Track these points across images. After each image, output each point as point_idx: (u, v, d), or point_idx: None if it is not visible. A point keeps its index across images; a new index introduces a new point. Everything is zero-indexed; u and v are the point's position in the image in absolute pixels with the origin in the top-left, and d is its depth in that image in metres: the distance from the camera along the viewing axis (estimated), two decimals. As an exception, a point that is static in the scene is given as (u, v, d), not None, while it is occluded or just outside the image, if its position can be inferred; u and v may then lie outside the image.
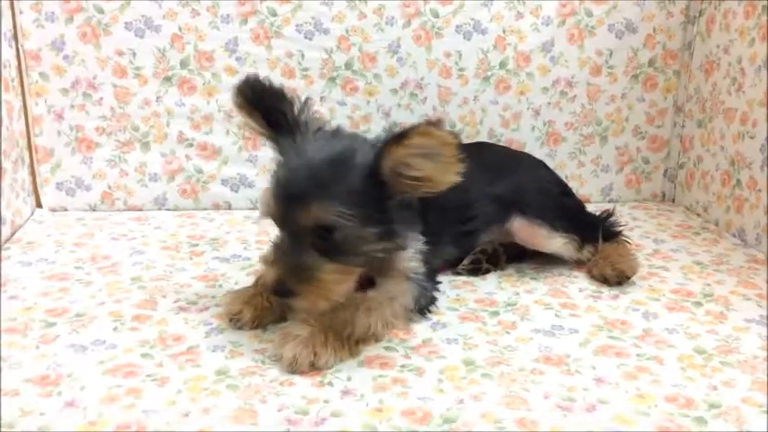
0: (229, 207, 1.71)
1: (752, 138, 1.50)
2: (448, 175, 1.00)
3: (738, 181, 1.54)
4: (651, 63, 1.73)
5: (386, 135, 1.02)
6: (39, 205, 1.66)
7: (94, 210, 1.67)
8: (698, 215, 1.71)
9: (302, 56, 1.62)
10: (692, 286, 1.31)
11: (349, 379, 0.99)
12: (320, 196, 1.01)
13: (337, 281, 1.06)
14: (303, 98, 1.11)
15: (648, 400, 0.95)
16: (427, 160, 0.99)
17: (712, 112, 1.64)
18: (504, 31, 1.66)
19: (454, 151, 0.97)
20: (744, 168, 1.52)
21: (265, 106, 1.09)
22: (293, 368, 1.00)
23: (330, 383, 0.98)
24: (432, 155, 0.98)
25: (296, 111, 1.10)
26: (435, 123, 0.99)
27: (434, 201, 1.26)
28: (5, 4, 1.50)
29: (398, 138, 0.98)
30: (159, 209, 1.69)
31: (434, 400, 0.94)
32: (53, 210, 1.66)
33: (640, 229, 1.60)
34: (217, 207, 1.71)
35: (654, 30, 1.70)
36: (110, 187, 1.67)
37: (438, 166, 0.99)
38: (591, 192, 1.78)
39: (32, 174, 1.63)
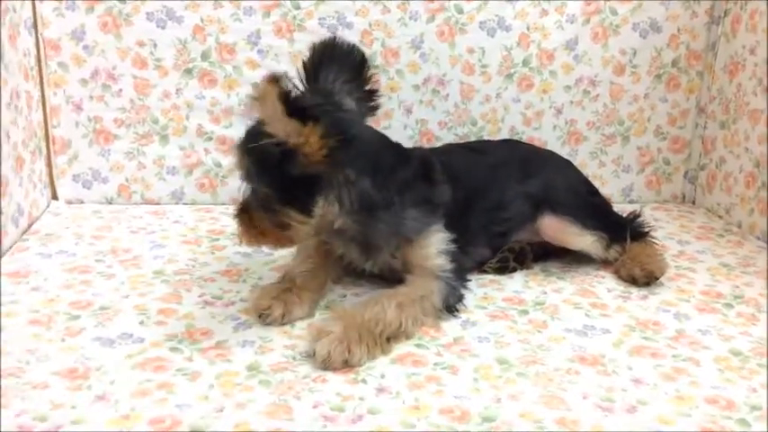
0: (247, 202, 1.69)
1: (778, 139, 1.49)
2: (296, 137, 0.98)
3: (764, 183, 1.53)
4: (675, 63, 1.71)
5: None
6: (54, 197, 1.63)
7: (111, 203, 1.65)
8: (720, 217, 1.69)
9: (325, 50, 1.60)
10: (721, 288, 1.30)
11: (383, 376, 0.98)
12: (245, 162, 1.09)
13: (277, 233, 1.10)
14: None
15: (689, 401, 0.94)
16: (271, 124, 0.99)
17: (736, 113, 1.63)
18: (528, 29, 1.65)
19: (280, 107, 0.95)
20: (769, 170, 1.51)
21: None
22: (326, 365, 0.98)
23: (364, 381, 0.97)
24: (270, 118, 0.99)
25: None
26: (273, 79, 0.96)
27: (475, 202, 1.26)
28: (26, -7, 1.48)
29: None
30: (176, 203, 1.67)
31: (471, 399, 0.93)
32: (69, 202, 1.64)
33: (663, 231, 1.58)
34: (235, 202, 1.68)
35: (678, 30, 1.69)
36: (127, 180, 1.65)
37: (276, 129, 0.99)
38: (611, 192, 1.76)
39: (49, 165, 1.61)
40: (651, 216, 1.67)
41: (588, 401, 0.93)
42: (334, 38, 1.14)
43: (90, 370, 0.96)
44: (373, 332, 1.03)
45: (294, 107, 0.96)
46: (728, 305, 1.23)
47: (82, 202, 1.64)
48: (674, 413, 0.91)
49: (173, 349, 1.02)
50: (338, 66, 1.11)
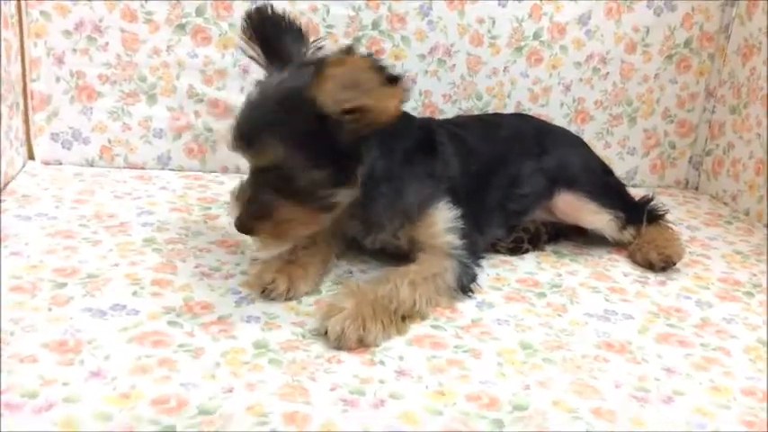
0: (238, 170, 1.59)
1: (794, 126, 1.45)
2: (384, 100, 0.91)
3: (774, 169, 1.49)
4: (687, 44, 1.66)
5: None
6: (31, 157, 1.52)
7: (91, 165, 1.55)
8: (725, 204, 1.66)
9: (327, 12, 1.51)
10: (739, 276, 1.26)
11: (401, 358, 0.91)
12: (267, 137, 0.97)
13: (295, 222, 1.01)
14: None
15: (725, 393, 0.89)
16: (354, 90, 0.91)
17: (749, 98, 1.59)
18: (540, 0, 1.57)
19: (375, 75, 0.88)
20: (782, 157, 1.47)
21: (267, 35, 1.06)
22: (340, 343, 0.91)
23: (382, 362, 0.90)
24: (355, 84, 0.90)
25: (295, 42, 1.05)
26: (347, 50, 0.90)
27: (491, 177, 1.20)
28: (7, -68, 1.36)
29: (317, 75, 0.90)
30: (162, 168, 1.57)
31: (498, 385, 0.87)
32: (46, 163, 1.53)
33: (670, 216, 1.51)
34: (225, 170, 1.59)
35: (692, 9, 1.63)
36: (110, 141, 1.54)
37: (368, 94, 0.91)
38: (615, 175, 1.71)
39: (26, 122, 1.49)
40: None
41: (622, 391, 0.87)
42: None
43: (81, 343, 0.87)
44: (388, 309, 0.97)
45: (388, 74, 0.89)
46: (749, 293, 1.19)
47: (60, 164, 1.53)
48: (713, 405, 0.86)
49: (171, 323, 0.94)
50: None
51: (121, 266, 1.09)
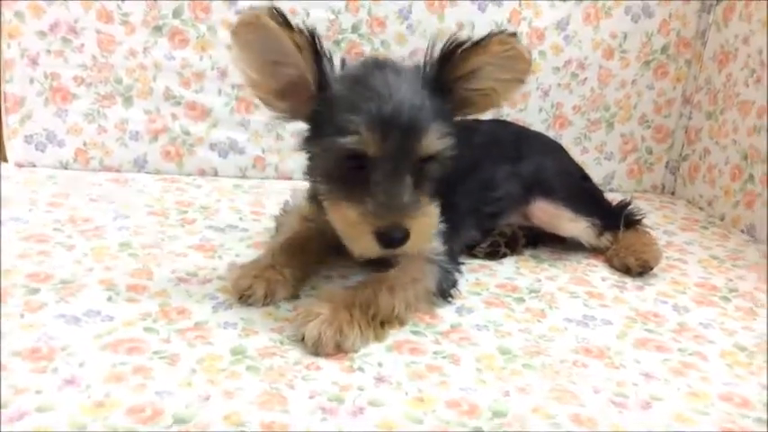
0: (216, 174, 1.58)
1: (770, 132, 1.46)
2: (511, 91, 1.00)
3: (751, 176, 1.51)
4: (664, 50, 1.67)
5: (447, 44, 0.97)
6: (4, 159, 1.50)
7: (66, 168, 1.52)
8: (701, 209, 1.67)
9: (307, 14, 1.50)
10: (715, 281, 1.26)
11: (380, 365, 0.90)
12: (431, 126, 0.94)
13: (434, 217, 0.99)
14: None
15: (703, 398, 0.89)
16: (499, 70, 0.97)
17: (725, 103, 1.60)
18: (520, 4, 1.58)
19: (527, 67, 0.98)
20: (758, 162, 1.48)
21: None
22: (317, 348, 0.90)
23: (361, 369, 0.89)
24: (505, 66, 0.97)
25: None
26: (513, 35, 0.96)
27: (463, 181, 1.19)
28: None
29: (475, 44, 0.95)
30: (138, 171, 1.55)
31: (478, 392, 0.86)
32: (20, 165, 1.50)
33: (647, 221, 1.51)
34: (202, 173, 1.58)
35: (670, 15, 1.65)
36: (85, 144, 1.52)
37: (506, 79, 0.98)
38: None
39: (-1, 124, 1.47)
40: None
41: (601, 396, 0.87)
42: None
43: (55, 350, 0.85)
44: (366, 314, 0.96)
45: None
46: (725, 298, 1.19)
47: (34, 166, 1.51)
48: (691, 410, 0.86)
49: (147, 329, 0.92)
50: None
51: (96, 271, 1.07)
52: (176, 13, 1.47)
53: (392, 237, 0.92)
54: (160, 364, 0.85)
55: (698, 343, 1.03)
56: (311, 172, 1.05)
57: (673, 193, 1.79)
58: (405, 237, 0.93)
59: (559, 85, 1.65)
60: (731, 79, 1.58)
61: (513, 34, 0.97)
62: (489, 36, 0.95)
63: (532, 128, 1.63)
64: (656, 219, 1.58)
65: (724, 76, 1.61)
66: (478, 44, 0.95)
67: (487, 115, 1.58)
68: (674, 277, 1.26)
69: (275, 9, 0.91)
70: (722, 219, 1.59)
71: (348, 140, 0.92)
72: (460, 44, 0.96)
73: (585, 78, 1.66)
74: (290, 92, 0.98)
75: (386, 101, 0.92)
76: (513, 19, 1.58)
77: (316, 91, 0.97)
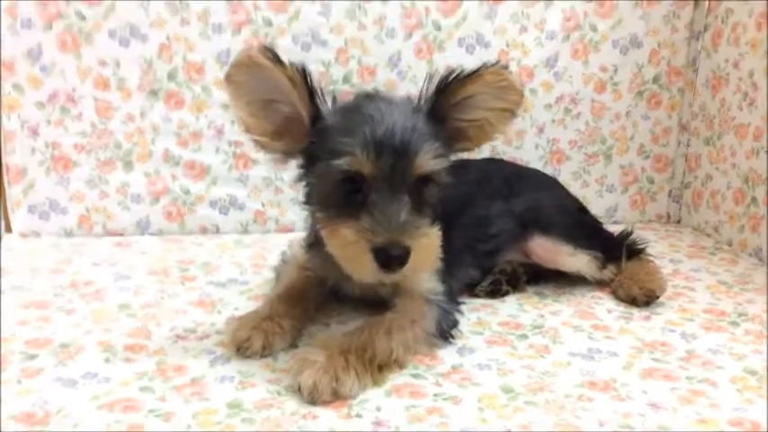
0: (218, 231, 1.59)
1: (768, 153, 1.45)
2: (504, 122, 1.03)
3: (754, 198, 1.49)
4: (656, 80, 1.68)
5: (442, 76, 1.00)
6: (8, 230, 1.52)
7: (70, 235, 1.54)
8: (708, 236, 1.65)
9: (298, 69, 1.53)
10: (724, 306, 1.24)
11: (378, 409, 0.89)
12: (424, 146, 0.95)
13: (436, 240, 0.98)
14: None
15: (712, 424, 0.87)
16: (491, 100, 1.00)
17: (721, 128, 1.60)
18: (507, 45, 1.60)
19: (519, 99, 1.01)
20: (759, 185, 1.47)
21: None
22: (314, 397, 0.89)
23: (359, 415, 0.87)
24: (497, 96, 1.00)
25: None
26: (506, 66, 1.00)
27: (457, 218, 1.19)
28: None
29: (469, 74, 0.98)
30: (142, 234, 1.56)
31: (479, 431, 0.84)
32: (24, 235, 1.52)
33: (653, 250, 1.50)
34: (204, 231, 1.59)
35: (659, 45, 1.66)
36: (88, 210, 1.54)
37: (499, 110, 1.01)
38: (595, 213, 1.69)
39: (2, 195, 1.49)
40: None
41: (606, 429, 0.85)
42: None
43: (50, 414, 0.85)
44: (362, 358, 0.94)
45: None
46: (734, 323, 1.17)
47: (38, 235, 1.53)
48: (700, 439, 0.84)
49: (143, 389, 0.92)
50: None
51: (94, 333, 1.07)
52: (171, 76, 1.51)
53: (391, 254, 0.91)
54: (155, 421, 0.84)
55: (707, 370, 1.01)
56: (308, 201, 1.05)
57: (678, 222, 1.77)
58: (404, 255, 0.92)
59: (553, 121, 1.66)
60: (725, 104, 1.58)
61: (506, 66, 1.00)
62: (482, 67, 0.98)
63: (530, 165, 1.64)
64: (661, 248, 1.56)
65: (718, 102, 1.61)
66: (472, 74, 0.98)
67: (482, 153, 1.61)
68: (682, 305, 1.24)
69: (266, 47, 0.93)
70: (730, 244, 1.57)
71: (343, 162, 0.93)
72: (455, 75, 0.99)
73: (579, 113, 1.67)
74: (284, 131, 1.00)
75: (378, 124, 0.94)
76: (502, 59, 1.59)
77: (309, 124, 0.98)
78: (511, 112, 1.03)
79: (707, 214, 1.66)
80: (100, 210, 1.54)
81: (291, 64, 0.94)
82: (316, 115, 0.98)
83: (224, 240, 1.55)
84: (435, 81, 1.01)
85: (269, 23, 1.50)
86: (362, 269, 0.94)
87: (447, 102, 1.01)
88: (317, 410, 0.88)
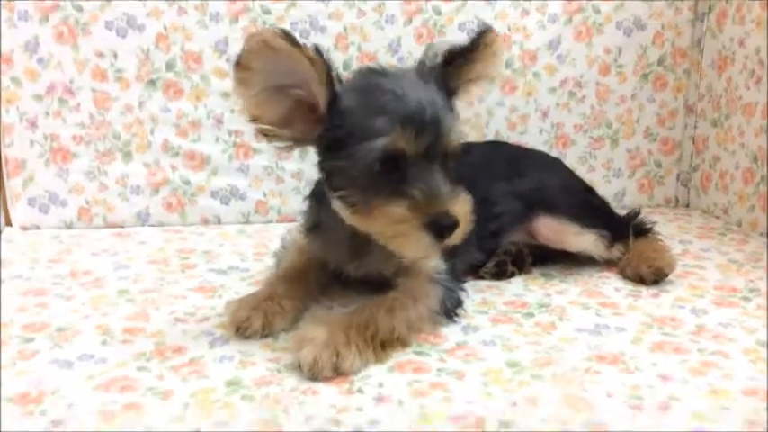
0: (219, 222, 1.58)
1: (776, 130, 1.42)
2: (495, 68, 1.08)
3: (763, 177, 1.46)
4: (661, 62, 1.66)
5: (451, 49, 1.03)
6: (8, 224, 1.50)
7: (70, 227, 1.53)
8: (717, 218, 1.62)
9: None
10: (735, 282, 1.21)
11: (381, 385, 0.86)
12: (451, 118, 0.97)
13: (470, 205, 0.97)
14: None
15: (725, 395, 0.84)
16: (488, 63, 1.05)
17: (728, 109, 1.57)
18: (509, 29, 1.58)
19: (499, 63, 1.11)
20: (769, 163, 1.44)
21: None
22: (314, 373, 0.87)
23: (360, 390, 0.85)
24: (493, 59, 1.06)
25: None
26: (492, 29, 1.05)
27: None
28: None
29: (474, 48, 1.03)
30: (142, 225, 1.55)
31: (484, 405, 0.82)
32: (24, 228, 1.51)
33: (662, 232, 1.49)
34: (205, 222, 1.57)
35: (662, 27, 1.64)
36: (87, 202, 1.53)
37: (491, 69, 1.07)
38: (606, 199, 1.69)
39: (1, 188, 1.48)
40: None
41: (614, 400, 0.83)
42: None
43: (44, 394, 0.83)
44: (363, 335, 0.92)
45: None
46: (746, 298, 1.14)
47: (38, 228, 1.51)
48: (712, 408, 0.81)
49: (140, 368, 0.90)
50: None
51: (92, 318, 1.05)
52: (169, 66, 1.49)
53: (443, 225, 0.92)
54: (152, 400, 0.82)
55: (718, 342, 0.98)
56: (334, 187, 1.00)
57: (687, 206, 1.75)
58: (454, 224, 0.93)
59: (558, 104, 1.64)
60: (732, 83, 1.56)
61: (492, 29, 1.05)
62: (483, 37, 1.03)
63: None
64: (670, 230, 1.52)
65: (724, 82, 1.58)
66: (478, 46, 1.03)
67: (487, 137, 1.59)
68: (692, 282, 1.21)
69: (281, 29, 0.90)
70: (739, 224, 1.54)
71: (382, 141, 0.92)
72: (461, 49, 1.03)
73: (584, 96, 1.65)
74: (293, 117, 0.96)
75: (407, 100, 0.93)
76: (504, 44, 1.57)
77: (325, 108, 0.95)
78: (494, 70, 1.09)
79: (716, 196, 1.63)
80: (99, 202, 1.53)
81: (307, 44, 0.91)
82: (332, 96, 0.95)
83: (225, 230, 1.54)
84: (440, 54, 1.01)
85: (267, 11, 1.49)
86: (415, 244, 0.94)
87: (456, 74, 1.02)
88: (318, 386, 0.85)
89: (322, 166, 1.02)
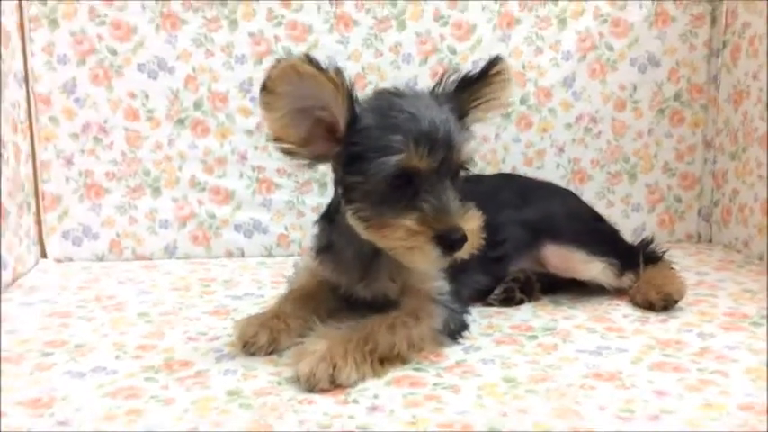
0: (242, 254, 1.63)
1: (793, 161, 1.42)
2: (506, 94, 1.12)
3: (781, 208, 1.45)
4: (677, 97, 1.67)
5: (463, 76, 1.09)
6: (43, 255, 1.58)
7: (101, 259, 1.59)
8: (738, 251, 1.61)
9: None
10: (746, 309, 1.20)
11: (376, 396, 0.89)
12: (462, 137, 1.02)
13: (480, 220, 1.01)
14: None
15: (719, 409, 0.84)
16: (499, 89, 1.10)
17: (745, 141, 1.57)
18: (523, 67, 1.63)
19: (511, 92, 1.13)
20: (787, 194, 1.44)
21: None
22: (311, 384, 0.90)
23: (355, 401, 0.87)
24: (503, 87, 1.10)
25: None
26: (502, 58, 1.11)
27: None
28: (16, 47, 1.48)
29: (486, 75, 1.09)
30: (169, 257, 1.61)
31: (474, 414, 0.83)
32: (58, 260, 1.58)
33: (679, 265, 1.48)
34: (229, 255, 1.63)
35: (677, 63, 1.66)
36: (118, 235, 1.60)
37: (502, 96, 1.11)
38: (622, 233, 1.68)
39: (38, 222, 1.57)
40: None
41: (606, 412, 0.83)
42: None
43: (55, 399, 0.88)
44: (362, 349, 0.95)
45: None
46: (756, 324, 1.13)
47: (71, 260, 1.59)
48: (705, 419, 0.81)
49: (148, 379, 0.94)
50: None
51: (110, 336, 1.10)
52: (197, 106, 1.57)
53: (452, 239, 0.96)
54: (155, 406, 0.86)
55: (720, 363, 0.98)
56: (351, 201, 1.03)
57: (710, 241, 1.73)
58: (463, 239, 0.96)
59: (573, 140, 1.66)
60: (747, 116, 1.56)
61: (502, 58, 1.12)
62: (492, 66, 1.09)
63: (551, 184, 1.64)
64: (690, 263, 1.52)
65: (741, 115, 1.59)
66: (490, 74, 1.09)
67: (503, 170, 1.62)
68: (703, 309, 1.21)
69: (306, 55, 0.96)
70: (761, 258, 1.52)
71: (397, 158, 0.96)
72: (474, 75, 1.08)
73: (600, 132, 1.67)
74: (314, 136, 1.01)
75: (422, 119, 0.98)
76: (518, 80, 1.62)
77: (345, 127, 1.00)
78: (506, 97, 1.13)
79: (736, 230, 1.62)
80: (129, 235, 1.60)
81: (329, 68, 0.97)
82: (351, 116, 1.01)
83: (248, 262, 1.59)
84: (454, 80, 1.08)
85: (289, 53, 1.56)
86: (424, 257, 0.98)
87: (468, 99, 1.08)
88: (314, 397, 0.88)
89: (339, 181, 1.07)
